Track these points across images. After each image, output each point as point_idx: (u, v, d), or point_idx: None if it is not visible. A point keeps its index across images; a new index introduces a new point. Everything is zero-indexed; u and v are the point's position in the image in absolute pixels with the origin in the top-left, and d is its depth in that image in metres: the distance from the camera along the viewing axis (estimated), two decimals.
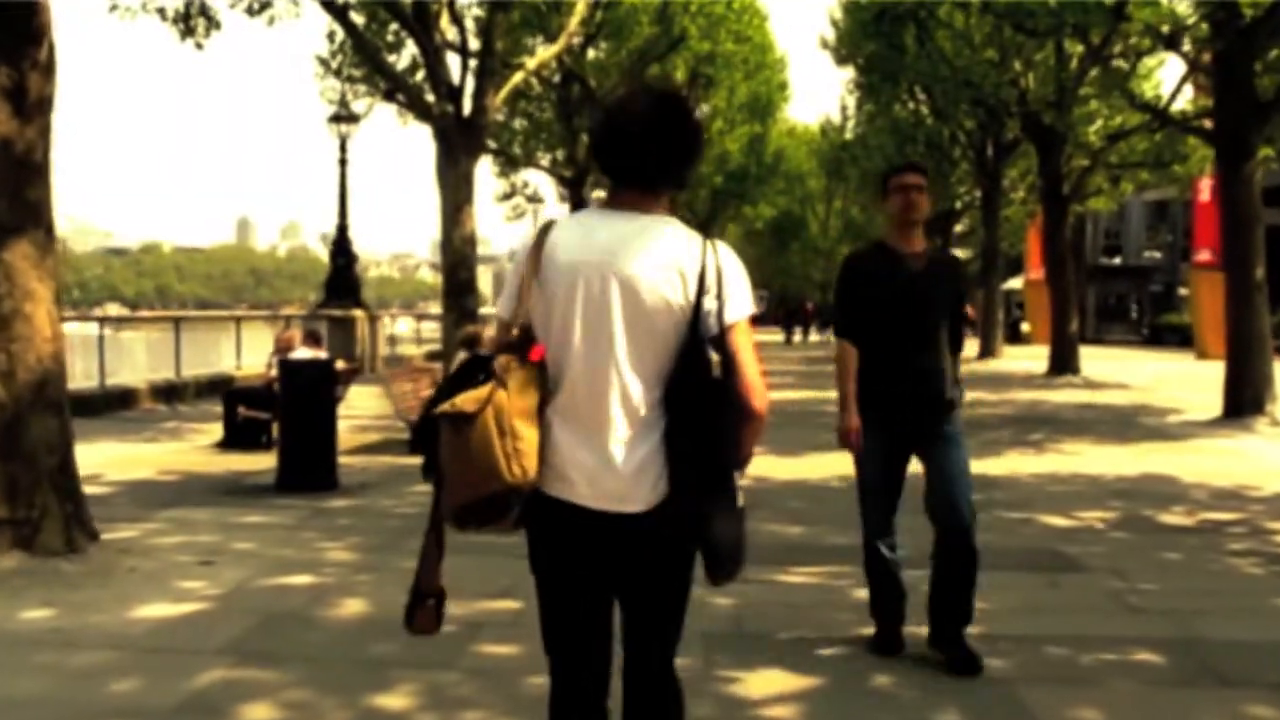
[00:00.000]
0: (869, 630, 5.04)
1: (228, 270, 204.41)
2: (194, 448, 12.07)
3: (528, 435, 2.55)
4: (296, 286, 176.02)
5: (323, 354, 11.82)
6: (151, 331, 21.29)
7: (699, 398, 2.59)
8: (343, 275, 25.87)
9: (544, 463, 2.60)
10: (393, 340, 31.60)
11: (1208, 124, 17.33)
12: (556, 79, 24.82)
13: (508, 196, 34.38)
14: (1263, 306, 15.14)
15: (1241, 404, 14.87)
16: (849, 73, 42.24)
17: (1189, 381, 23.03)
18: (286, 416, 9.21)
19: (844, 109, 47.05)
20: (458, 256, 15.96)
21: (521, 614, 5.49)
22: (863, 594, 5.15)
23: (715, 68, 30.71)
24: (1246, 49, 15.03)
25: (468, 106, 16.23)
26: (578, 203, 25.23)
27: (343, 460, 10.72)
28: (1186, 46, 16.61)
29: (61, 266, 7.37)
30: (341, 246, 26.29)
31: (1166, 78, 30.16)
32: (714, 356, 2.62)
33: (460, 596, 5.66)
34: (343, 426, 14.29)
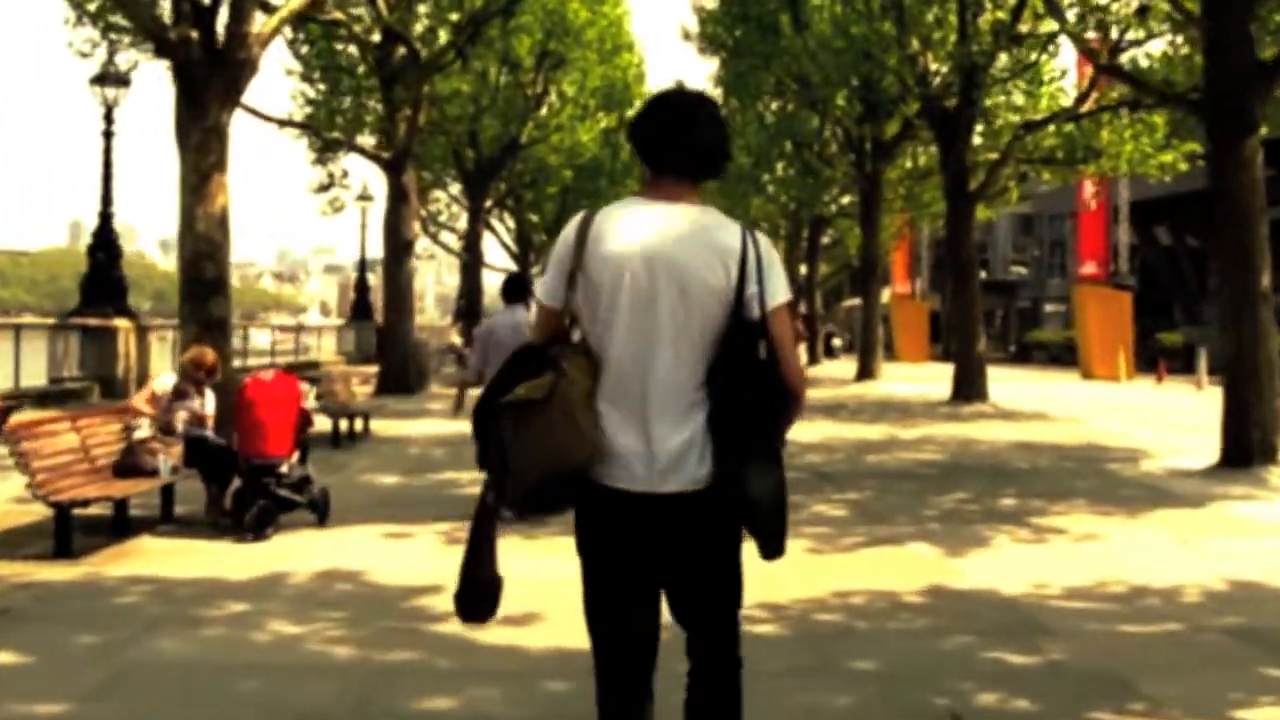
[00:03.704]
0: None
1: (55, 275, 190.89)
2: None
3: (591, 418, 2.62)
4: (131, 294, 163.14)
5: None
6: None
7: (743, 379, 2.64)
8: (104, 274, 20.87)
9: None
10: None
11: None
12: (375, 37, 20.31)
13: (325, 188, 29.51)
14: (1270, 322, 11.66)
15: (1247, 449, 11.32)
16: (713, 65, 38.78)
17: (1107, 409, 20.07)
18: None
19: None
20: (202, 244, 11.35)
21: None
22: None
23: (566, 44, 26.58)
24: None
25: (222, 37, 11.71)
26: (398, 191, 20.75)
27: None
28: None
29: None
30: (103, 239, 21.43)
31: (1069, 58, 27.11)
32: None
33: None
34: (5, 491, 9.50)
